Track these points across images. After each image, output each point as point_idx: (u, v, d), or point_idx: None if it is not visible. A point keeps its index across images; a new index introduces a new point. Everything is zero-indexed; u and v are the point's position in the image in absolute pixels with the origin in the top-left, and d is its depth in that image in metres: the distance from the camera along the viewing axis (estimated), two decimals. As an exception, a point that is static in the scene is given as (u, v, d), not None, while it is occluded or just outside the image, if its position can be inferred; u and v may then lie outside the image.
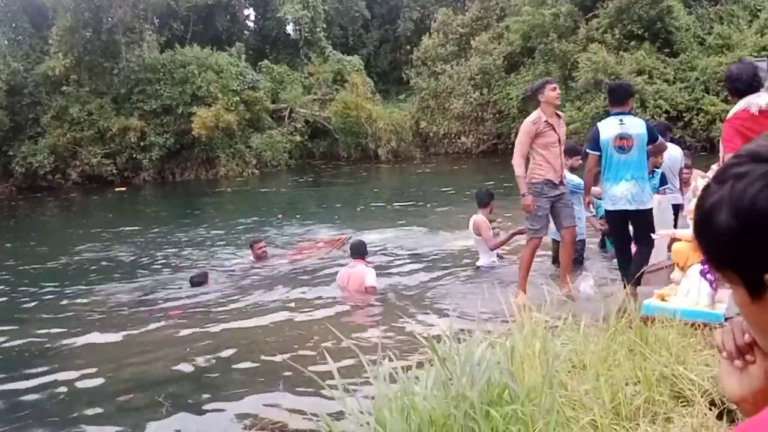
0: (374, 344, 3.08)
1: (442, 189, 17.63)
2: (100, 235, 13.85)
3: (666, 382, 3.26)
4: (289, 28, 32.67)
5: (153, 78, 25.75)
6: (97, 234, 14.13)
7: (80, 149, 25.06)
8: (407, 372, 2.97)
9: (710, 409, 3.01)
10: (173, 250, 11.75)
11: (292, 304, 7.40)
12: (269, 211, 16.31)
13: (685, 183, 7.54)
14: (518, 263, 8.25)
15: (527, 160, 6.52)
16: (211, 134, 24.72)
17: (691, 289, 5.01)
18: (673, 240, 5.78)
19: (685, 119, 21.66)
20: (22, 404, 5.21)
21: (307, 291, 7.94)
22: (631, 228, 6.46)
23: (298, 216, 14.79)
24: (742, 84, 4.41)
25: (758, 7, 24.23)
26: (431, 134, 27.85)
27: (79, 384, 5.51)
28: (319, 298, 7.60)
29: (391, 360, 3.00)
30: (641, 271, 5.70)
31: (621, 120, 5.90)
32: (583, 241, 7.87)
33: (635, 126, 5.93)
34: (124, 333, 6.87)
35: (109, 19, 25.36)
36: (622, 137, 5.85)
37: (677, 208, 7.19)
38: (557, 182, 6.40)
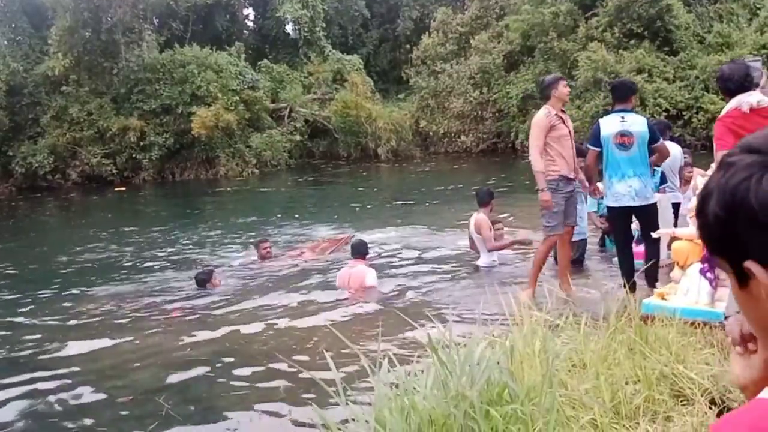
0: (374, 344, 3.08)
1: (442, 188, 17.63)
2: (100, 235, 13.85)
3: (666, 381, 3.26)
4: (289, 28, 32.66)
5: (152, 78, 25.76)
6: (97, 234, 14.13)
7: (80, 149, 25.06)
8: (407, 372, 2.97)
9: (710, 408, 3.02)
10: (173, 250, 11.76)
11: (293, 304, 7.40)
12: (269, 210, 16.31)
13: (686, 181, 7.53)
14: (518, 263, 8.29)
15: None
16: (210, 134, 24.72)
17: (690, 288, 5.01)
18: (673, 239, 5.78)
19: (685, 118, 21.66)
20: (21, 405, 5.21)
21: (308, 291, 7.94)
22: (633, 227, 6.48)
23: (296, 216, 14.79)
24: (734, 84, 4.48)
25: (758, 6, 24.24)
26: (431, 133, 27.85)
27: (79, 385, 5.50)
28: (320, 298, 7.60)
29: (390, 360, 3.00)
30: (655, 266, 5.72)
31: (623, 117, 5.91)
32: (585, 241, 7.87)
33: (636, 123, 5.94)
34: (124, 333, 6.87)
35: (109, 19, 25.37)
36: (623, 134, 5.85)
37: (677, 207, 7.18)
38: (572, 177, 6.40)
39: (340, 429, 2.69)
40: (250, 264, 9.64)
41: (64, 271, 10.79)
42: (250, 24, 36.44)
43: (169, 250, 11.75)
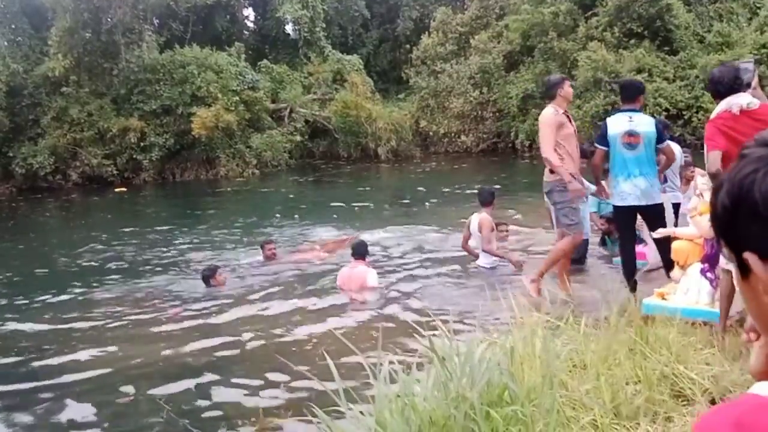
0: (374, 345, 3.08)
1: (443, 188, 17.62)
2: (101, 236, 13.85)
3: (666, 381, 3.26)
4: (289, 28, 32.64)
5: (153, 78, 25.74)
6: (97, 235, 14.12)
7: (80, 150, 25.05)
8: (407, 373, 2.97)
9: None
10: (174, 250, 11.75)
11: (295, 306, 7.41)
12: (270, 211, 16.30)
13: (686, 181, 7.53)
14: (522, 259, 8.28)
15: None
16: (211, 134, 24.70)
17: (691, 288, 5.02)
18: (674, 238, 5.79)
19: (685, 117, 21.65)
20: (22, 405, 5.21)
21: (310, 292, 7.94)
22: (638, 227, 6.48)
23: (297, 216, 14.78)
24: (723, 87, 4.56)
25: (758, 5, 24.22)
26: (431, 133, 27.84)
27: (79, 386, 5.51)
28: (322, 299, 7.60)
29: (391, 361, 3.00)
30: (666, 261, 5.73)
31: (630, 117, 5.91)
32: (586, 241, 7.87)
33: (644, 123, 5.94)
34: (125, 334, 6.87)
35: (109, 19, 25.35)
36: (630, 134, 5.86)
37: (677, 207, 7.18)
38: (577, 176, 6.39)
39: (340, 430, 2.69)
40: (255, 265, 9.63)
41: (65, 271, 10.79)
42: (250, 24, 36.44)
43: (170, 250, 11.74)
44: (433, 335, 3.19)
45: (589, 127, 22.03)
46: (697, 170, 7.59)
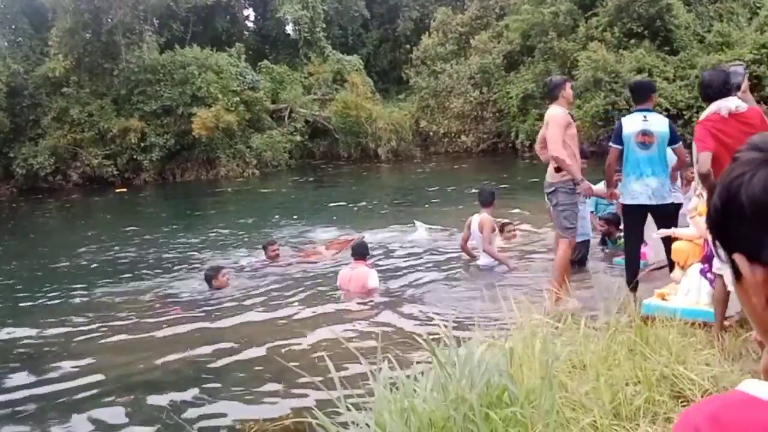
0: (374, 346, 3.08)
1: (443, 188, 17.63)
2: (101, 237, 13.86)
3: (666, 382, 3.26)
4: (289, 28, 32.65)
5: (153, 79, 25.76)
6: (97, 235, 14.14)
7: (81, 150, 25.07)
8: (407, 374, 2.97)
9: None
10: (174, 251, 11.75)
11: (296, 307, 7.40)
12: (270, 211, 16.30)
13: (687, 182, 7.52)
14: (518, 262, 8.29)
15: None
16: (211, 135, 24.72)
17: (691, 288, 5.02)
18: (674, 239, 5.78)
19: (685, 117, 21.61)
20: (22, 405, 5.22)
21: (311, 293, 7.93)
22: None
23: (297, 217, 14.78)
24: (713, 90, 4.69)
25: (758, 5, 24.20)
26: (431, 133, 27.84)
27: (80, 385, 5.51)
28: (323, 300, 7.60)
29: (390, 362, 3.00)
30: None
31: (645, 116, 5.92)
32: (588, 241, 7.87)
33: (658, 123, 5.95)
34: (125, 334, 6.88)
35: (109, 20, 25.37)
36: (644, 133, 5.85)
37: (678, 207, 7.16)
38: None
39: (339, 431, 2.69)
40: (258, 265, 9.62)
41: (65, 272, 10.79)
42: (250, 25, 36.45)
43: (170, 251, 11.74)
44: (433, 337, 3.19)
45: (590, 127, 22.05)
46: (697, 170, 7.58)
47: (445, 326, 3.26)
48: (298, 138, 27.59)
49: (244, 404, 4.90)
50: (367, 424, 2.65)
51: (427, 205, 15.11)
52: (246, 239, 12.25)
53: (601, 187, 8.68)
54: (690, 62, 22.74)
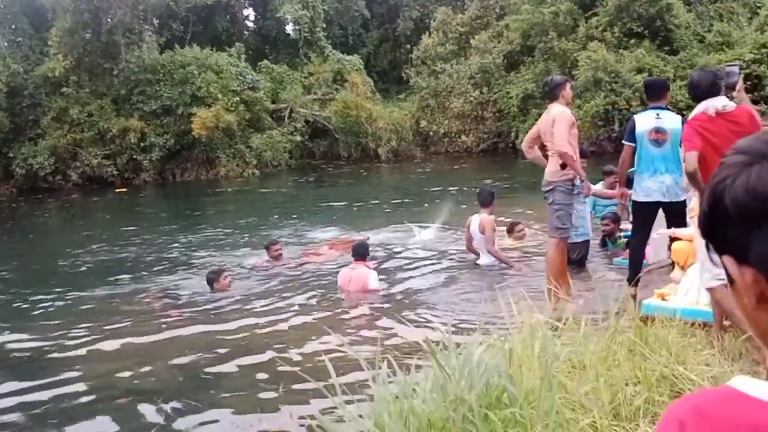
0: (373, 347, 3.08)
1: (443, 188, 17.61)
2: (101, 237, 13.85)
3: (666, 383, 3.25)
4: (289, 28, 32.66)
5: (153, 79, 25.76)
6: (97, 235, 14.13)
7: (80, 150, 25.07)
8: (406, 375, 2.97)
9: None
10: (174, 251, 11.75)
11: (296, 307, 7.39)
12: (270, 211, 16.30)
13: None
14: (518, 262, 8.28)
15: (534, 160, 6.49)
16: (211, 135, 24.72)
17: (690, 288, 5.01)
18: (673, 239, 5.78)
19: (685, 117, 21.52)
20: (21, 406, 5.21)
21: (313, 294, 7.91)
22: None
23: (298, 217, 14.78)
24: (701, 91, 4.77)
25: (758, 4, 24.21)
26: (431, 133, 27.85)
27: (79, 386, 5.50)
28: (324, 301, 7.59)
29: (389, 363, 3.00)
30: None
31: (658, 114, 5.93)
32: (587, 242, 7.86)
33: (671, 121, 5.95)
34: (124, 335, 6.87)
35: (109, 20, 25.37)
36: (657, 131, 5.86)
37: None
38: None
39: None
40: (261, 266, 9.60)
41: (65, 272, 10.79)
42: (250, 24, 36.47)
43: (170, 251, 11.74)
44: (432, 337, 3.18)
45: (590, 127, 22.04)
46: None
47: (444, 327, 3.26)
48: (298, 138, 27.60)
49: (243, 406, 4.89)
50: (366, 426, 2.64)
51: (427, 205, 15.10)
52: (246, 239, 12.25)
53: (599, 187, 8.67)
54: (690, 62, 22.72)
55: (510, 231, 9.29)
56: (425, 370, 3.03)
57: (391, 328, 6.06)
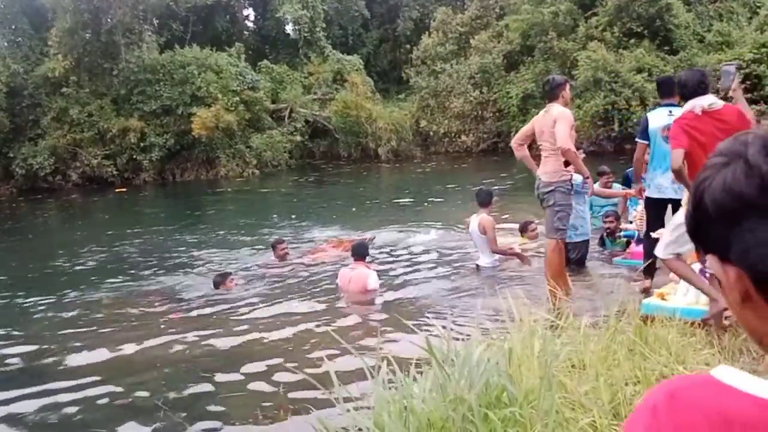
0: (373, 347, 3.08)
1: (443, 188, 17.62)
2: (101, 237, 13.84)
3: (666, 382, 3.24)
4: (289, 28, 32.66)
5: (153, 79, 25.76)
6: (97, 236, 14.12)
7: (80, 150, 25.07)
8: (406, 375, 2.97)
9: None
10: (174, 251, 11.74)
11: (297, 307, 7.38)
12: (270, 211, 16.31)
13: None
14: (518, 262, 8.27)
15: (536, 159, 6.48)
16: (211, 134, 24.72)
17: (690, 288, 5.01)
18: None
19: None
20: (20, 408, 5.21)
21: (314, 294, 7.90)
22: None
23: (297, 217, 14.78)
24: (688, 90, 4.90)
25: (758, 4, 24.21)
26: (431, 133, 27.85)
27: (78, 387, 5.50)
28: (325, 301, 7.58)
29: (389, 363, 3.00)
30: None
31: (670, 111, 5.94)
32: (587, 241, 7.86)
33: None
34: (124, 335, 6.86)
35: (109, 20, 25.37)
36: (669, 128, 5.87)
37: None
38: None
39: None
40: (266, 265, 9.57)
41: (65, 272, 10.79)
42: (250, 24, 36.47)
43: (171, 251, 11.73)
44: (432, 337, 3.18)
45: (589, 127, 22.05)
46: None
47: (444, 327, 3.26)
48: (298, 138, 27.60)
49: (242, 404, 4.89)
50: (366, 425, 2.64)
51: (427, 205, 15.11)
52: (246, 239, 12.24)
53: (596, 186, 8.67)
54: (690, 62, 22.71)
55: (523, 230, 9.28)
56: (425, 370, 3.03)
57: (391, 328, 6.06)
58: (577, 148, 6.92)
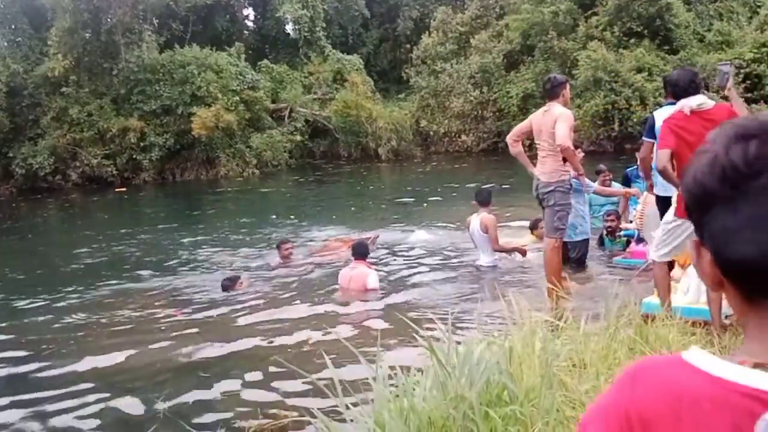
0: (373, 346, 3.08)
1: (443, 188, 17.62)
2: (100, 237, 13.84)
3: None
4: (289, 28, 32.66)
5: (152, 78, 25.76)
6: (97, 235, 14.12)
7: (80, 150, 25.08)
8: (406, 373, 2.97)
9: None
10: (174, 251, 11.73)
11: (298, 307, 7.38)
12: (270, 211, 16.31)
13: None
14: (519, 262, 8.28)
15: (533, 158, 6.49)
16: (211, 134, 24.72)
17: (691, 287, 5.02)
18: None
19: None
20: (20, 406, 5.21)
21: (315, 294, 7.89)
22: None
23: (297, 217, 14.78)
24: (679, 89, 4.87)
25: (758, 4, 24.23)
26: (431, 133, 27.85)
27: (78, 387, 5.50)
28: (326, 300, 7.58)
29: (390, 362, 3.00)
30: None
31: None
32: (587, 241, 7.86)
33: None
34: (124, 336, 6.86)
35: (109, 19, 25.38)
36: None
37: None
38: None
39: (339, 431, 2.69)
40: (272, 265, 9.56)
41: (64, 272, 10.78)
42: (250, 24, 36.47)
43: (170, 251, 11.72)
44: (432, 336, 3.18)
45: (589, 127, 22.05)
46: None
47: (444, 325, 3.26)
48: (298, 138, 27.60)
49: (242, 403, 4.89)
50: (366, 424, 2.64)
51: (427, 205, 15.11)
52: (246, 239, 12.24)
53: (597, 185, 8.68)
54: (690, 61, 22.72)
55: (533, 228, 9.27)
56: (426, 368, 3.03)
57: (391, 327, 6.06)
58: (576, 148, 6.95)
